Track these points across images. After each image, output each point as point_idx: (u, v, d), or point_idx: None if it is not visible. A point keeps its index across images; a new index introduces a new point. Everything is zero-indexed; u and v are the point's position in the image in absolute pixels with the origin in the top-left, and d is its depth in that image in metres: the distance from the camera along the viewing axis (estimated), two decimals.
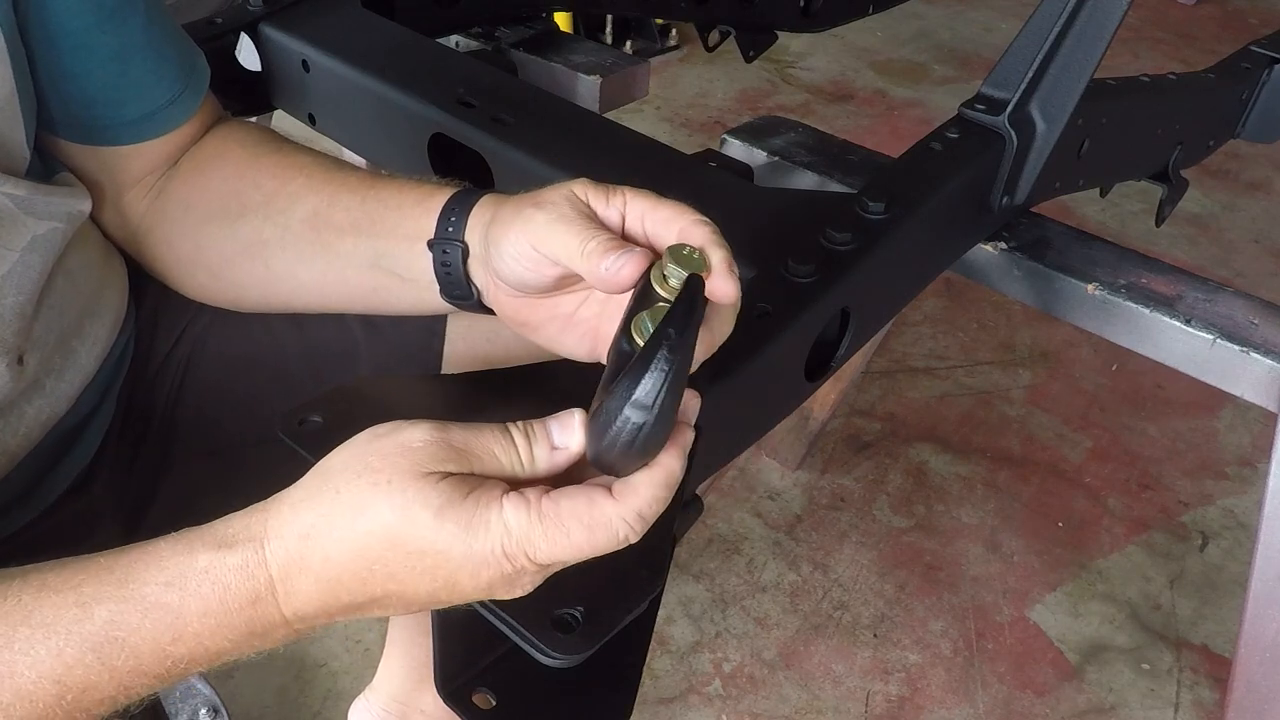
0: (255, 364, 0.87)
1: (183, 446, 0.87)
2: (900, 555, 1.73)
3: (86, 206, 0.76)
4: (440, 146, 0.94)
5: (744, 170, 1.01)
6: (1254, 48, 1.20)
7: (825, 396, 1.81)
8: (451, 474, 0.49)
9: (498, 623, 0.49)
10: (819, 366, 0.76)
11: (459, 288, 0.68)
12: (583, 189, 0.59)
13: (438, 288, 0.69)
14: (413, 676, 1.10)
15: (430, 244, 0.67)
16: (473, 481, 0.49)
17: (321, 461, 0.51)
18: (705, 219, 0.56)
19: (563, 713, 0.59)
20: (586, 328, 0.63)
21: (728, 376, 0.65)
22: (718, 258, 0.54)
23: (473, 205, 0.66)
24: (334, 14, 1.07)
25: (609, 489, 0.49)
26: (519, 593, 0.50)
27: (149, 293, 0.87)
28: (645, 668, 0.60)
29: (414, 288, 0.70)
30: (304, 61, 1.02)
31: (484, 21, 1.28)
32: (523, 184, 0.87)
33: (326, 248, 0.73)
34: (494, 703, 0.58)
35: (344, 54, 0.99)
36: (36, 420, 0.75)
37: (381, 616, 0.53)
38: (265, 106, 1.10)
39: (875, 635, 1.60)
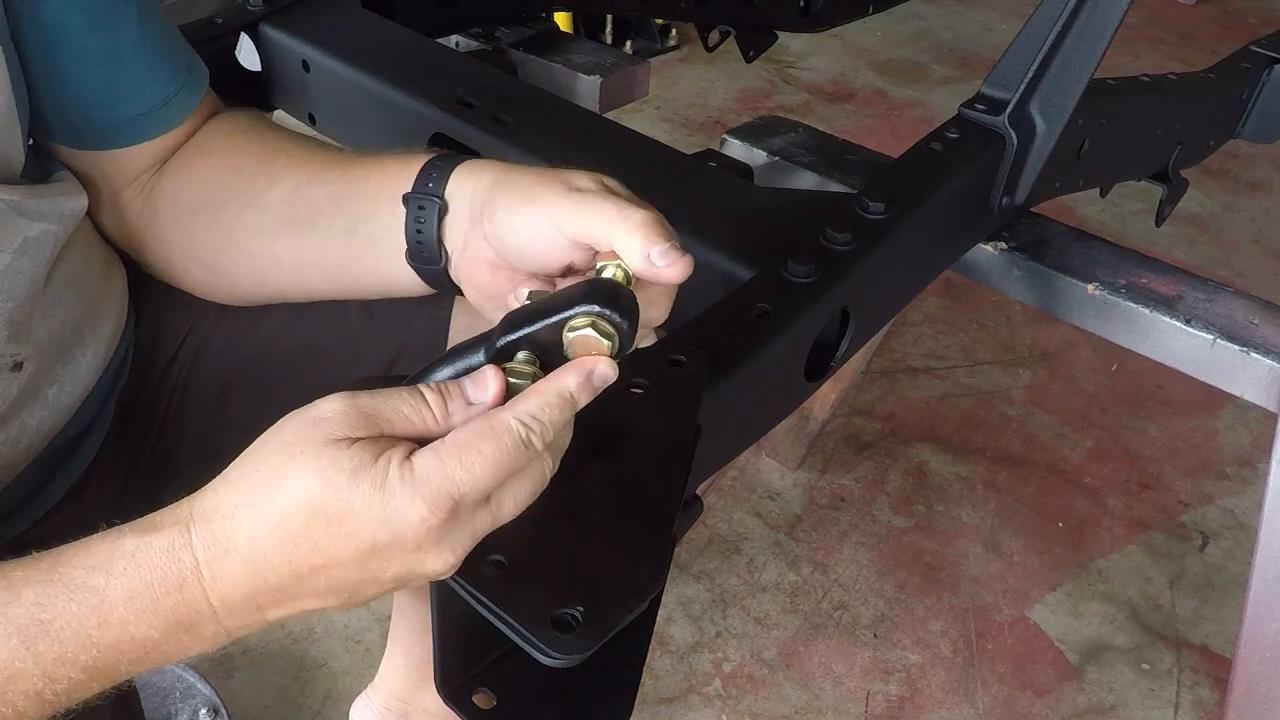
0: (258, 366, 0.87)
1: (185, 450, 0.87)
2: (900, 555, 1.73)
3: (81, 205, 0.75)
4: (440, 146, 0.94)
5: (744, 170, 1.01)
6: (1254, 48, 1.20)
7: (825, 396, 1.81)
8: (363, 438, 0.49)
9: (498, 622, 0.49)
10: (819, 366, 0.76)
11: (428, 250, 0.67)
12: (615, 181, 0.60)
13: (405, 249, 0.68)
14: (414, 675, 1.10)
15: (405, 198, 0.67)
16: (384, 443, 0.49)
17: (248, 448, 0.51)
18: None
19: (563, 713, 0.59)
20: None
21: (728, 376, 0.65)
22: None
23: (455, 165, 0.66)
24: (334, 14, 1.07)
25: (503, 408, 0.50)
26: (453, 557, 0.49)
27: (151, 299, 0.87)
28: (645, 668, 0.60)
29: (385, 252, 0.69)
30: (304, 61, 1.02)
31: (484, 21, 1.28)
32: None
33: (305, 224, 0.73)
34: (494, 702, 0.58)
35: (344, 54, 0.99)
36: (38, 432, 0.74)
37: (317, 610, 0.52)
38: (265, 106, 1.10)
39: (875, 635, 1.60)
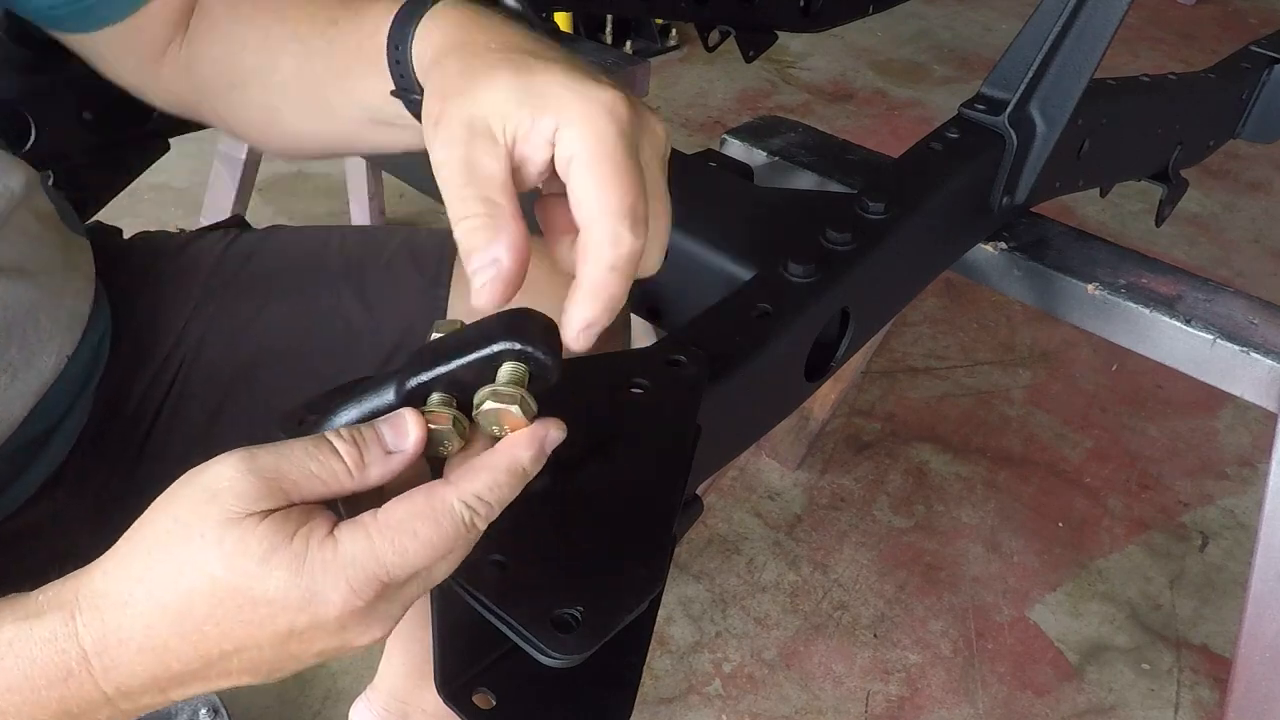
0: (257, 361, 0.86)
1: (179, 448, 0.86)
2: (900, 555, 1.73)
3: (17, 184, 0.72)
4: None
5: (744, 170, 1.01)
6: (1254, 48, 1.20)
7: (825, 396, 1.81)
8: (271, 511, 0.44)
9: (498, 622, 0.49)
10: (819, 366, 0.76)
11: (406, 80, 0.62)
12: (512, 106, 0.50)
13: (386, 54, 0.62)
14: (413, 676, 1.10)
15: (387, 41, 0.62)
16: (297, 517, 0.44)
17: (136, 522, 0.46)
18: (620, 274, 0.49)
19: (563, 713, 0.59)
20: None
21: (728, 376, 0.65)
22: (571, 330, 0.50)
23: (414, 27, 0.60)
24: None
25: (439, 480, 0.46)
26: (381, 631, 0.46)
27: (143, 294, 0.87)
28: (645, 668, 0.60)
29: (402, 133, 0.66)
30: None
31: None
32: None
33: (321, 111, 0.70)
34: (494, 703, 0.58)
35: None
36: None
37: (232, 687, 0.48)
38: None
39: (875, 635, 1.60)
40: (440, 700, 0.59)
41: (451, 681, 0.59)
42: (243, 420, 0.86)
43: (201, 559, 0.43)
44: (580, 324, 0.49)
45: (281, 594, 0.43)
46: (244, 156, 1.94)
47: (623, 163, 0.50)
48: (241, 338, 0.87)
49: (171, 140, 1.03)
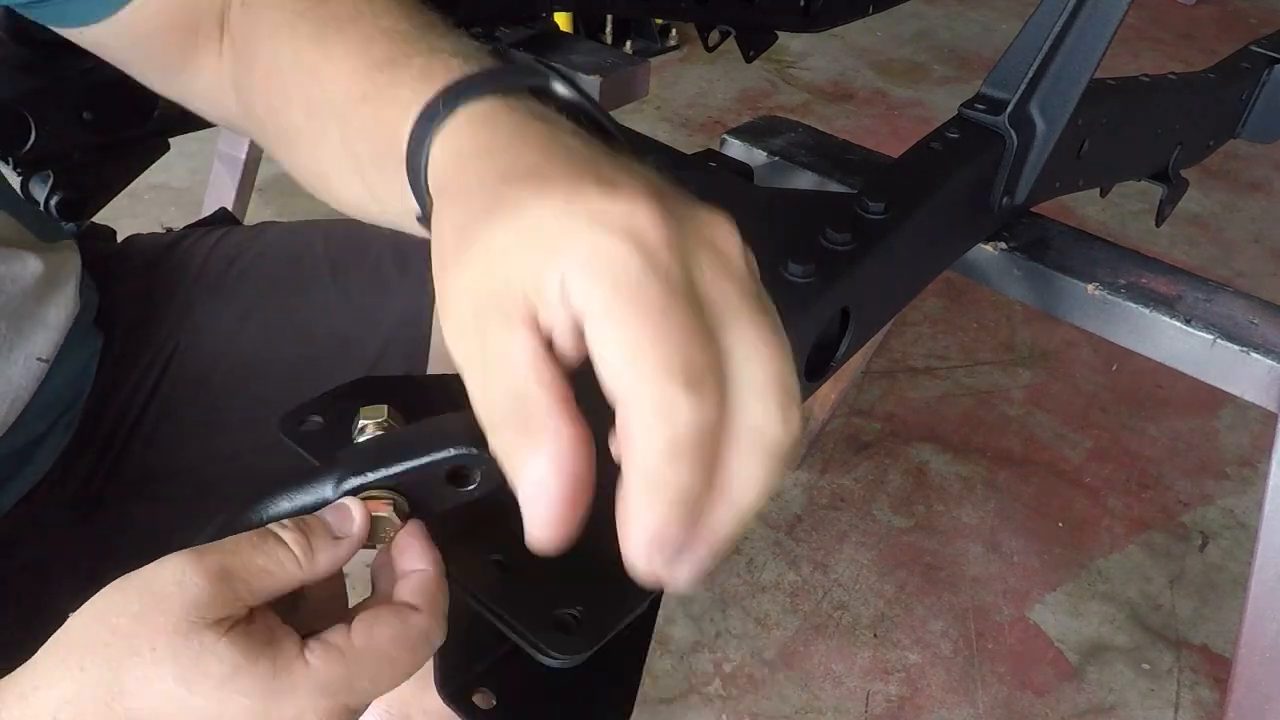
0: (239, 366, 0.86)
1: (160, 453, 0.86)
2: (900, 555, 1.73)
3: None
4: None
5: (744, 170, 1.01)
6: (1254, 48, 1.20)
7: (825, 396, 1.81)
8: (229, 623, 0.39)
9: (498, 623, 0.49)
10: (819, 366, 0.76)
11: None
12: (515, 265, 0.37)
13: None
14: (414, 677, 1.10)
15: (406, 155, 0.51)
16: (261, 635, 0.40)
17: (59, 630, 0.40)
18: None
19: (563, 713, 0.59)
20: None
21: None
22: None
23: (433, 136, 0.47)
24: None
25: (408, 603, 0.44)
26: None
27: (133, 298, 0.86)
28: (645, 668, 0.60)
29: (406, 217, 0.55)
30: None
31: (484, 21, 1.27)
32: None
33: (356, 162, 0.56)
34: (494, 703, 0.58)
35: None
36: None
37: None
38: None
39: (875, 635, 1.60)
40: (440, 700, 0.59)
41: (451, 681, 0.59)
42: (227, 426, 0.86)
43: (151, 675, 0.38)
44: (641, 539, 0.38)
45: (244, 717, 0.39)
46: (244, 156, 1.94)
47: (657, 300, 0.35)
48: (226, 344, 0.86)
49: (171, 140, 1.03)
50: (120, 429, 0.85)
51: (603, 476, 0.57)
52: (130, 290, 0.86)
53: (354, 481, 0.45)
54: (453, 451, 0.44)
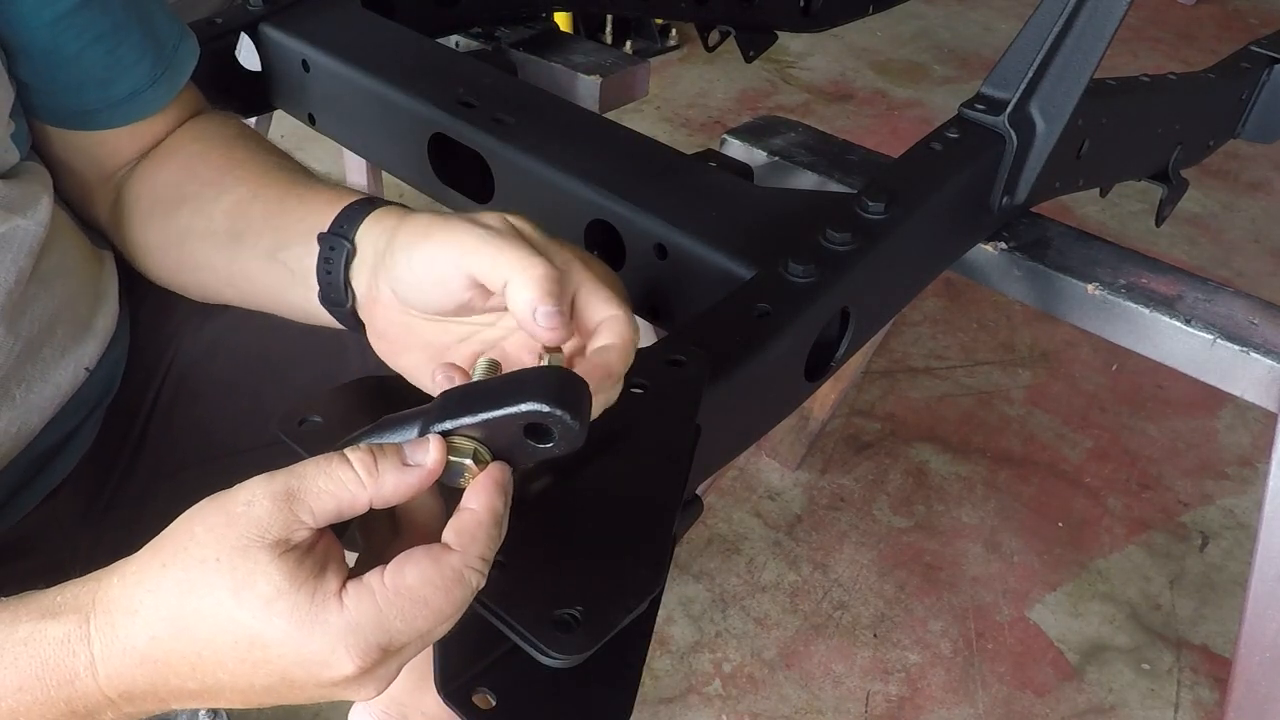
0: (246, 367, 0.86)
1: (171, 452, 0.86)
2: (900, 555, 1.73)
3: (50, 201, 0.74)
4: (440, 147, 0.94)
5: (744, 170, 1.01)
6: (1254, 48, 1.20)
7: (825, 396, 1.81)
8: (291, 545, 0.44)
9: (498, 623, 0.49)
10: (819, 366, 0.76)
11: (335, 291, 0.65)
12: (525, 222, 0.56)
13: (317, 290, 0.67)
14: (413, 678, 1.09)
15: (320, 237, 0.65)
16: (311, 566, 0.44)
17: (161, 533, 0.47)
18: (632, 324, 0.53)
19: (563, 713, 0.59)
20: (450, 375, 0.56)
21: (728, 376, 0.65)
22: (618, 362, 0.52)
23: (372, 209, 0.64)
24: (334, 14, 1.07)
25: (445, 545, 0.46)
26: (375, 691, 0.45)
27: (147, 301, 0.87)
28: (645, 668, 0.60)
29: (301, 286, 0.68)
30: (304, 61, 1.02)
31: (484, 21, 1.27)
32: (523, 184, 0.88)
33: (236, 239, 0.72)
34: (494, 703, 0.58)
35: (344, 54, 0.99)
36: (6, 434, 0.72)
37: (228, 708, 0.48)
38: (265, 106, 1.10)
39: (875, 635, 1.60)
40: (440, 703, 0.59)
41: (451, 681, 0.59)
42: (234, 426, 0.86)
43: (211, 582, 0.43)
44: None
45: (278, 643, 0.43)
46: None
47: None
48: (233, 344, 0.87)
49: None
50: (138, 426, 0.85)
51: (597, 482, 0.57)
52: (144, 290, 0.87)
53: (440, 426, 0.47)
54: (528, 407, 0.46)
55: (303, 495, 0.44)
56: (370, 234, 0.63)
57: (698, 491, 0.69)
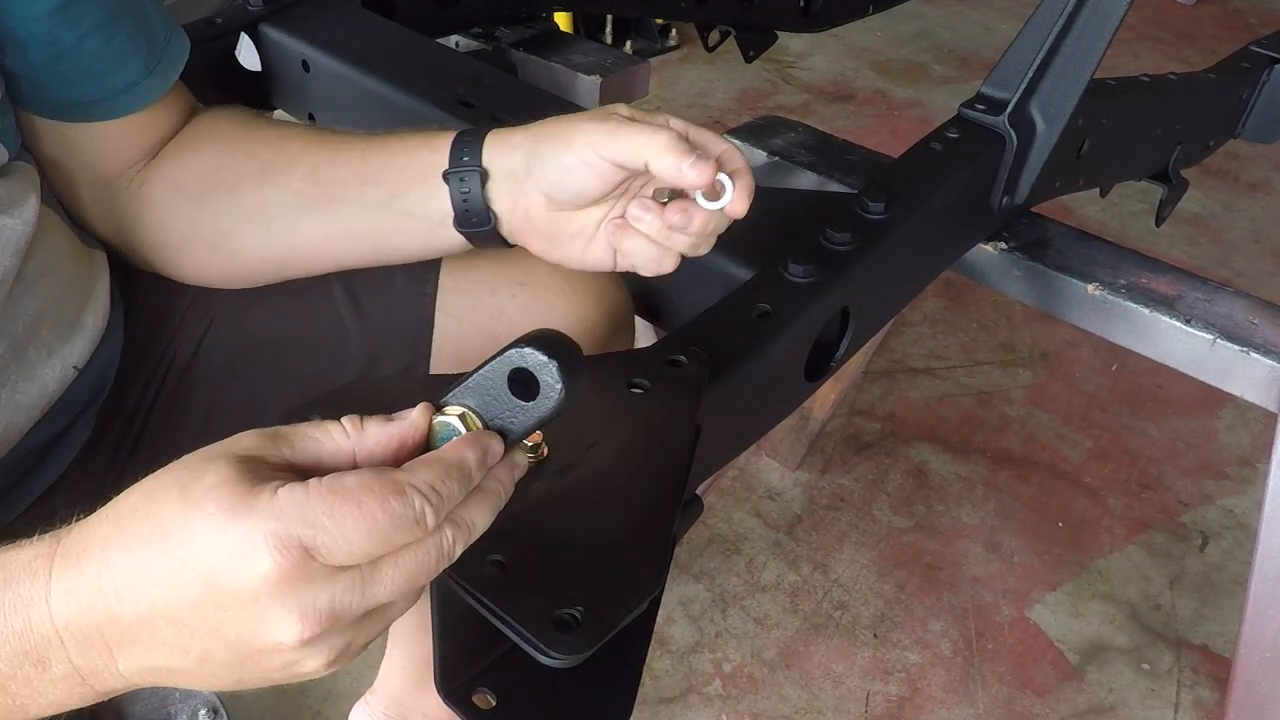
0: (246, 360, 0.86)
1: (171, 446, 0.86)
2: (900, 555, 1.73)
3: (37, 201, 0.74)
4: None
5: None
6: (1254, 48, 1.20)
7: (825, 396, 1.81)
8: (256, 460, 0.44)
9: (498, 623, 0.49)
10: (819, 366, 0.76)
11: (476, 215, 0.72)
12: (622, 105, 0.67)
13: (453, 217, 0.72)
14: (413, 678, 1.10)
15: (445, 175, 0.71)
16: (264, 473, 0.43)
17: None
18: (735, 145, 0.65)
19: (563, 713, 0.59)
20: (606, 241, 0.70)
21: (728, 376, 0.65)
22: (742, 184, 0.65)
23: (483, 136, 0.71)
24: (334, 14, 1.07)
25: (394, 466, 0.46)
26: (302, 626, 0.42)
27: (144, 295, 0.87)
28: (645, 668, 0.60)
29: (425, 224, 0.74)
30: (304, 61, 1.02)
31: (484, 21, 1.28)
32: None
33: (332, 199, 0.76)
34: (494, 703, 0.58)
35: (344, 54, 0.99)
36: None
37: (170, 669, 0.45)
38: (265, 107, 1.10)
39: (875, 635, 1.60)
40: (441, 704, 0.59)
41: (451, 681, 0.59)
42: (234, 419, 0.86)
43: (165, 482, 0.45)
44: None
45: (204, 530, 0.42)
46: None
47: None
48: (233, 338, 0.87)
49: None
50: (135, 425, 0.85)
51: (597, 482, 0.57)
52: (139, 285, 0.87)
53: (436, 400, 0.49)
54: (508, 353, 0.47)
55: (288, 434, 0.46)
56: (498, 156, 0.70)
57: (698, 491, 0.69)
